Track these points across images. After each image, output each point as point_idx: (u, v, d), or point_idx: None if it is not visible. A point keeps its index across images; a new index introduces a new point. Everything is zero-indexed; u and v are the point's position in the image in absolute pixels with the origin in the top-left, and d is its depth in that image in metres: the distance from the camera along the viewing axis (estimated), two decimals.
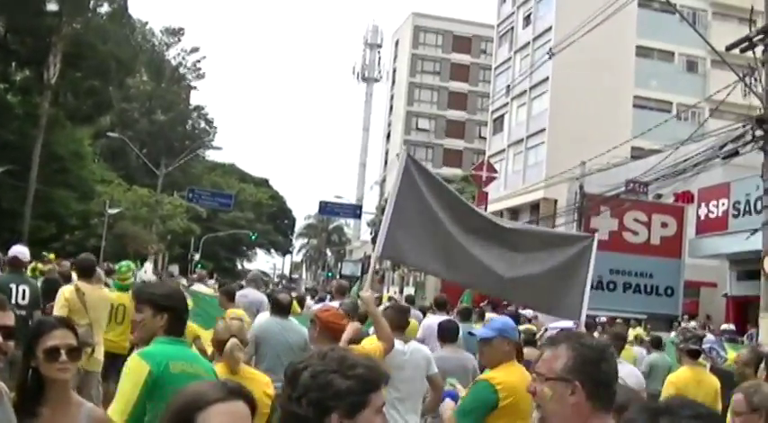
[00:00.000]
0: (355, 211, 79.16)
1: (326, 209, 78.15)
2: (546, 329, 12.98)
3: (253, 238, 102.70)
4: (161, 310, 5.24)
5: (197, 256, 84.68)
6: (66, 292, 11.39)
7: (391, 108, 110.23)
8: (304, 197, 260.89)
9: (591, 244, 9.12)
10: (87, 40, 60.54)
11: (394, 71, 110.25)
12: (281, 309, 10.51)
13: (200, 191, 77.64)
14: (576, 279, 8.95)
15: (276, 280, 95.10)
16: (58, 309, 11.04)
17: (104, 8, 64.90)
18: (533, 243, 9.10)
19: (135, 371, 4.96)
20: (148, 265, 15.36)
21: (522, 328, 12.89)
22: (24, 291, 11.20)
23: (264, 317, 10.88)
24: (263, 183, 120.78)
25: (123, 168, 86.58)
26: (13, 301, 10.16)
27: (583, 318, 9.02)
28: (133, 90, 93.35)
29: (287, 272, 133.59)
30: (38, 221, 59.71)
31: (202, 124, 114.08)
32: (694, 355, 10.53)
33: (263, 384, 6.48)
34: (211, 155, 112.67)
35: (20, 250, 12.32)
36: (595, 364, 3.44)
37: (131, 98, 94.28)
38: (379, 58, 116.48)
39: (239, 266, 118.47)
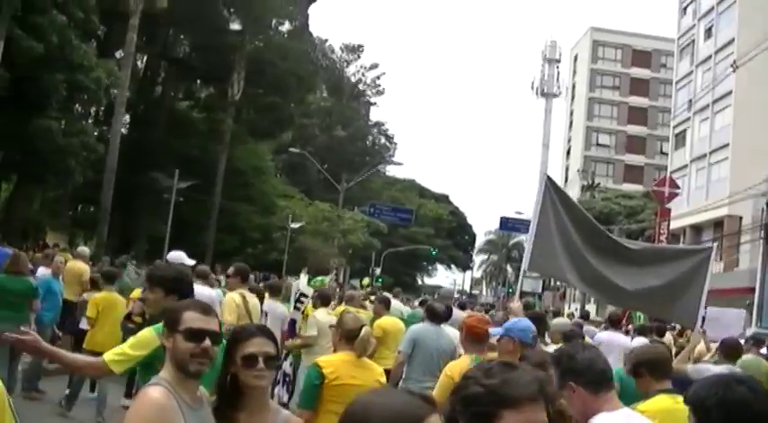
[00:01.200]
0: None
1: (507, 225, 77.87)
2: None
3: (433, 253, 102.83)
4: (171, 292, 5.85)
5: (378, 271, 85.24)
6: (235, 298, 12.36)
7: (571, 123, 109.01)
8: (484, 213, 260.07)
9: (708, 255, 9.88)
10: (268, 57, 61.91)
11: (573, 86, 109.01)
12: (435, 316, 11.35)
13: (381, 206, 78.34)
14: (694, 288, 9.75)
15: (456, 296, 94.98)
16: (229, 313, 11.98)
17: (285, 26, 66.29)
18: (655, 259, 9.84)
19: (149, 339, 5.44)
20: (303, 278, 16.09)
21: None
22: None
23: (421, 323, 11.89)
24: (443, 198, 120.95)
25: (303, 183, 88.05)
26: None
27: (698, 324, 10.15)
28: (313, 106, 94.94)
29: (467, 287, 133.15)
30: (221, 235, 61.22)
31: (382, 140, 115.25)
32: None
33: (376, 373, 7.21)
34: (391, 170, 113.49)
35: (180, 255, 13.10)
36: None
37: (311, 114, 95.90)
38: (558, 73, 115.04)
39: (419, 281, 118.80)
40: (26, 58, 30.62)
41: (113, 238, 53.62)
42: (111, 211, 46.53)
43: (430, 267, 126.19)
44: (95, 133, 46.88)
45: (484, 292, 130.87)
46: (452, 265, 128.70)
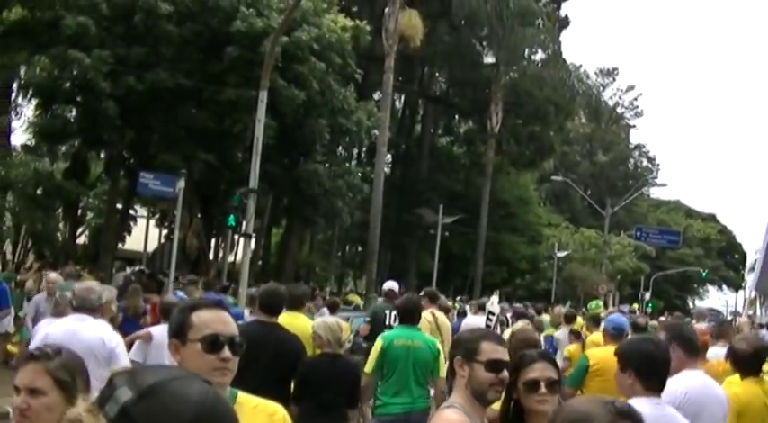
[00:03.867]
0: None
1: None
2: None
3: (703, 274, 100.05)
4: None
5: (647, 296, 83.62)
6: (427, 315, 13.19)
7: None
8: (754, 230, 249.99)
9: None
10: (525, 87, 62.00)
11: None
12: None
13: (648, 229, 76.84)
14: None
15: (729, 317, 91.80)
16: (423, 330, 12.34)
17: (539, 55, 66.13)
18: None
19: None
20: (494, 298, 17.70)
21: None
22: (394, 315, 12.92)
23: None
24: (711, 218, 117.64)
25: (568, 211, 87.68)
26: (387, 323, 13.65)
27: None
28: (572, 133, 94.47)
29: (740, 308, 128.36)
30: (489, 267, 61.59)
31: (644, 162, 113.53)
32: None
33: None
34: (655, 192, 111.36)
35: (392, 284, 16.08)
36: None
37: (571, 141, 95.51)
38: None
39: (690, 304, 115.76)
40: (290, 107, 31.72)
41: (384, 275, 54.78)
42: (379, 248, 47.51)
43: (701, 289, 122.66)
44: (359, 174, 48.06)
45: (758, 312, 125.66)
46: (723, 286, 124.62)
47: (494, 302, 17.19)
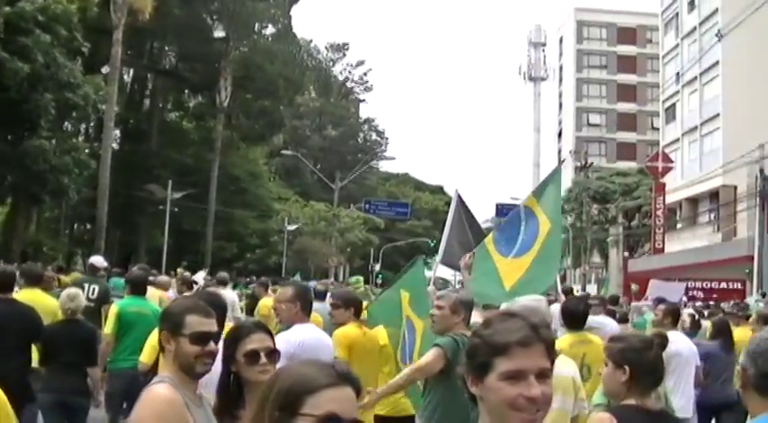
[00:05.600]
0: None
1: (503, 211, 77.74)
2: None
3: (432, 245, 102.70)
4: None
5: (377, 267, 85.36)
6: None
7: (561, 105, 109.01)
8: (480, 201, 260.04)
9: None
10: (255, 61, 61.96)
11: (560, 68, 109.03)
12: None
13: (377, 202, 78.49)
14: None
15: (458, 286, 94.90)
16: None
17: (269, 29, 66.30)
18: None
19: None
20: (201, 273, 18.48)
21: None
22: (94, 288, 13.94)
23: None
24: (439, 190, 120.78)
25: (299, 185, 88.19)
26: (85, 295, 12.57)
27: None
28: (303, 107, 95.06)
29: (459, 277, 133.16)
30: (220, 242, 61.37)
31: (374, 136, 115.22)
32: None
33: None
34: (384, 166, 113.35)
35: (97, 259, 16.43)
36: None
37: (302, 115, 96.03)
38: (545, 56, 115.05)
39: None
40: (14, 80, 30.66)
41: (113, 252, 53.69)
42: (108, 226, 46.57)
43: (429, 260, 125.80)
44: (87, 150, 46.88)
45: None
46: None
47: (199, 276, 18.09)
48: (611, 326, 11.13)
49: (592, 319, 10.00)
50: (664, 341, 5.77)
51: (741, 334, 11.96)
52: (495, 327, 2.74)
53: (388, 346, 8.83)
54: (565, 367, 6.33)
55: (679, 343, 8.31)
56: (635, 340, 4.99)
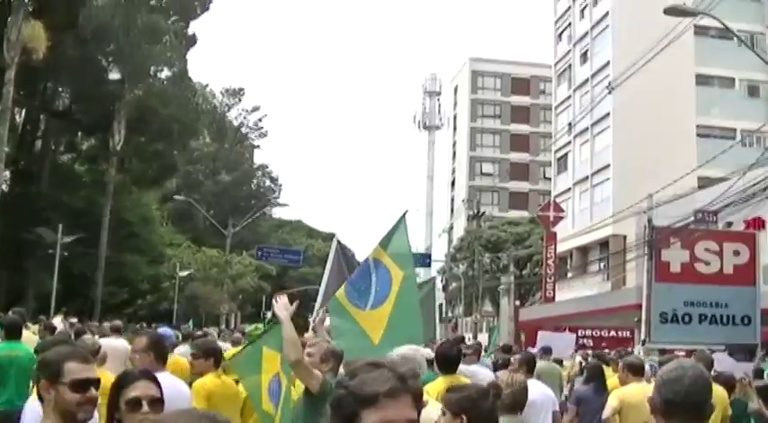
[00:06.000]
0: (425, 259, 78.54)
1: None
2: None
3: None
4: None
5: (269, 314, 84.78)
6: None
7: (454, 154, 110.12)
8: (369, 248, 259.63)
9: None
10: (150, 105, 61.40)
11: (455, 117, 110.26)
12: None
13: (269, 249, 77.92)
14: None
15: None
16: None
17: (164, 73, 65.82)
18: None
19: None
20: (58, 318, 18.72)
21: None
22: None
23: None
24: (331, 237, 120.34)
25: (191, 230, 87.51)
26: None
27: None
28: (197, 152, 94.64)
29: None
30: (110, 288, 60.37)
31: (267, 182, 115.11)
32: None
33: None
34: (278, 212, 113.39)
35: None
36: None
37: (196, 160, 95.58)
38: (439, 105, 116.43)
39: (312, 322, 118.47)
40: None
41: (0, 296, 52.47)
42: None
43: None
44: None
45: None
46: None
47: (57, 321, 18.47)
48: (483, 374, 11.27)
49: (464, 368, 10.37)
50: (498, 391, 5.93)
51: (613, 381, 12.54)
52: (361, 377, 2.69)
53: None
54: (432, 410, 6.39)
55: (533, 390, 8.47)
56: (472, 390, 5.38)
